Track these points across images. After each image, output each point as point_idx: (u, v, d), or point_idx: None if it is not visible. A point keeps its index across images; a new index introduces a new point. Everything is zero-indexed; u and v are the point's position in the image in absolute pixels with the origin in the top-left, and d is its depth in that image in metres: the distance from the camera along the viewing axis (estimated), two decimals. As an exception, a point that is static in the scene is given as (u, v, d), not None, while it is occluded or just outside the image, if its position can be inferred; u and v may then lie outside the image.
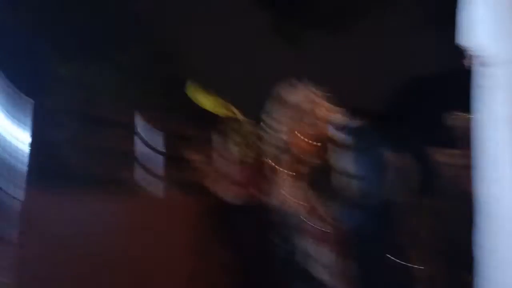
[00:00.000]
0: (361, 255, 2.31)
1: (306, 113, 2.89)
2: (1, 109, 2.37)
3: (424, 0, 3.86)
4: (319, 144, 2.88)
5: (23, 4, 3.47)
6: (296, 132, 2.86)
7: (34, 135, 2.44)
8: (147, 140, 2.97)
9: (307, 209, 2.62)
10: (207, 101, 2.80)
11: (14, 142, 2.36)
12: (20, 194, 1.79)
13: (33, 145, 2.41)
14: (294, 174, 2.81)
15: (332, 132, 2.86)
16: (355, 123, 2.25)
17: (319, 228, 2.51)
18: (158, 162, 3.08)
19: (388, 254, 2.10)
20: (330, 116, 2.60)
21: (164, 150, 2.64)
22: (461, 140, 2.61)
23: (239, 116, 2.88)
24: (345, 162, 2.16)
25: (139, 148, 2.62)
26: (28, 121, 2.45)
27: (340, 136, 2.39)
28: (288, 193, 2.78)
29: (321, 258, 2.46)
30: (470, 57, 1.19)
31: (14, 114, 2.44)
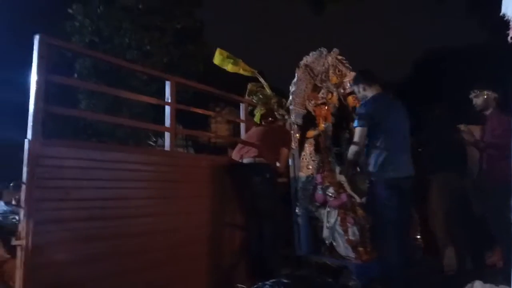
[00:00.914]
0: (374, 221, 2.39)
1: (329, 80, 2.91)
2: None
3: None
4: (337, 110, 2.92)
5: None
6: (315, 98, 2.90)
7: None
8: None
9: (321, 174, 2.70)
10: (232, 66, 2.84)
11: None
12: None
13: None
14: (311, 140, 2.87)
15: (351, 100, 2.89)
16: (374, 92, 2.25)
17: (332, 193, 2.58)
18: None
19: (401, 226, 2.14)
20: (351, 84, 2.61)
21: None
22: (481, 117, 2.62)
23: (262, 80, 2.92)
24: (362, 132, 2.18)
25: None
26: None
27: (359, 104, 2.41)
28: (304, 157, 2.85)
29: (330, 222, 2.55)
30: None
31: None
